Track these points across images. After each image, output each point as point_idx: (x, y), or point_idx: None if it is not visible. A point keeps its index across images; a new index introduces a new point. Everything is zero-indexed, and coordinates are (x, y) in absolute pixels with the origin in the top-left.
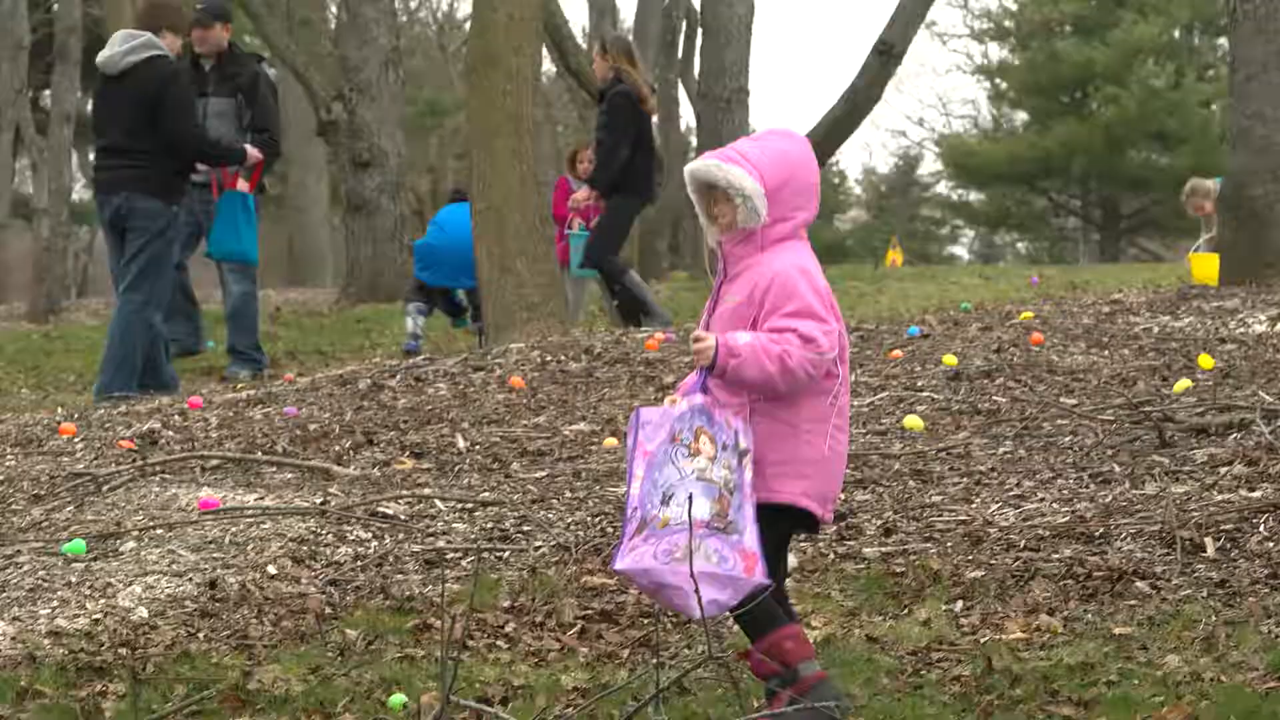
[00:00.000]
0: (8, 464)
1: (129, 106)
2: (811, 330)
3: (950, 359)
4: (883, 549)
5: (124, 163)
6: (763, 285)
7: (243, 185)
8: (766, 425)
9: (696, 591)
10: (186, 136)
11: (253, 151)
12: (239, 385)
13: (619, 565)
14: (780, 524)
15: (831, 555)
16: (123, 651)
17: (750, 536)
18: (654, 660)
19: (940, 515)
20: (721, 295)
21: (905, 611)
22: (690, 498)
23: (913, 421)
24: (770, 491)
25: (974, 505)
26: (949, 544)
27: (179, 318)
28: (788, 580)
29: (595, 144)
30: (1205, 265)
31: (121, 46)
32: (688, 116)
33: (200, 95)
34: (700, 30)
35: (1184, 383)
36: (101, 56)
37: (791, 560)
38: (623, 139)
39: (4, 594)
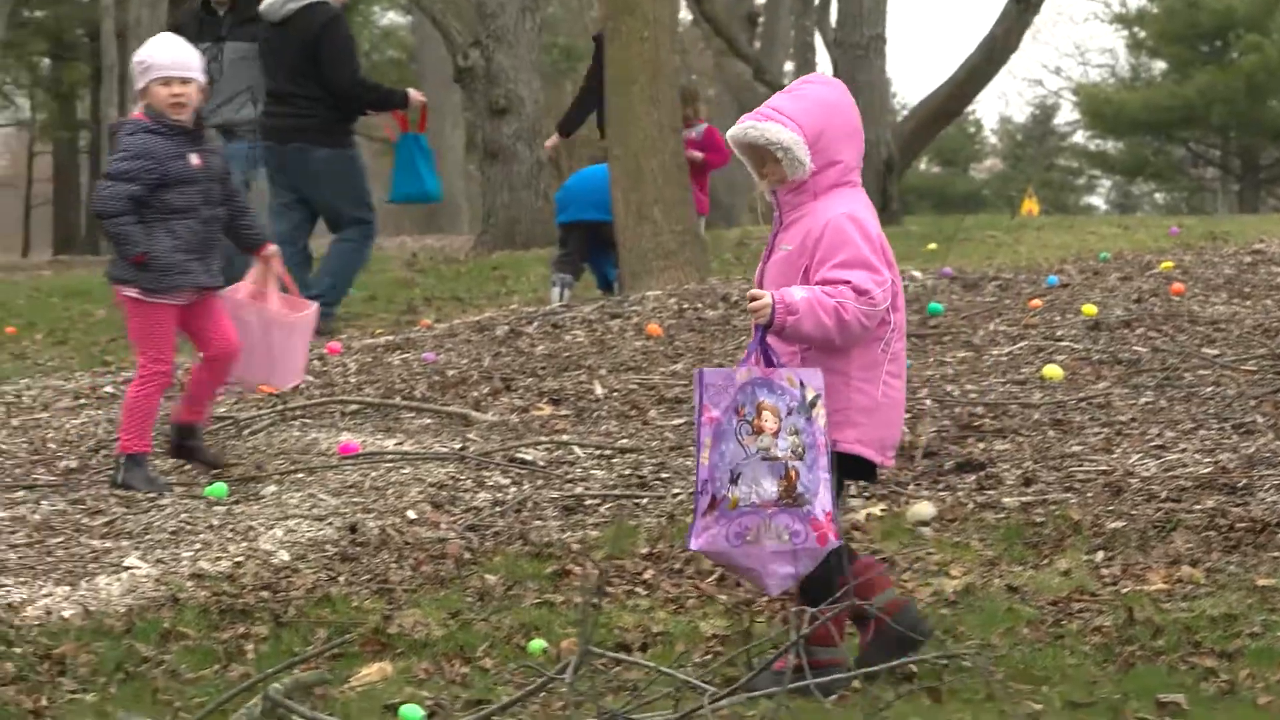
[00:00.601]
0: None
1: (291, 53)
2: (864, 282)
3: (1090, 308)
4: (1022, 499)
5: (290, 110)
6: (815, 234)
7: (414, 127)
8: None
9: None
10: (345, 81)
11: (415, 94)
12: None
13: (694, 545)
14: (837, 471)
15: (971, 504)
16: (264, 594)
17: (821, 501)
18: (793, 608)
19: (1080, 465)
20: (776, 244)
21: (1045, 561)
22: (754, 481)
23: (1052, 371)
24: None
25: (1115, 455)
26: (1089, 494)
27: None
28: (926, 529)
29: None
30: None
31: None
32: (824, 64)
33: (216, 40)
34: None
35: None
36: (265, 4)
37: (930, 509)
38: (589, 86)
39: (147, 536)
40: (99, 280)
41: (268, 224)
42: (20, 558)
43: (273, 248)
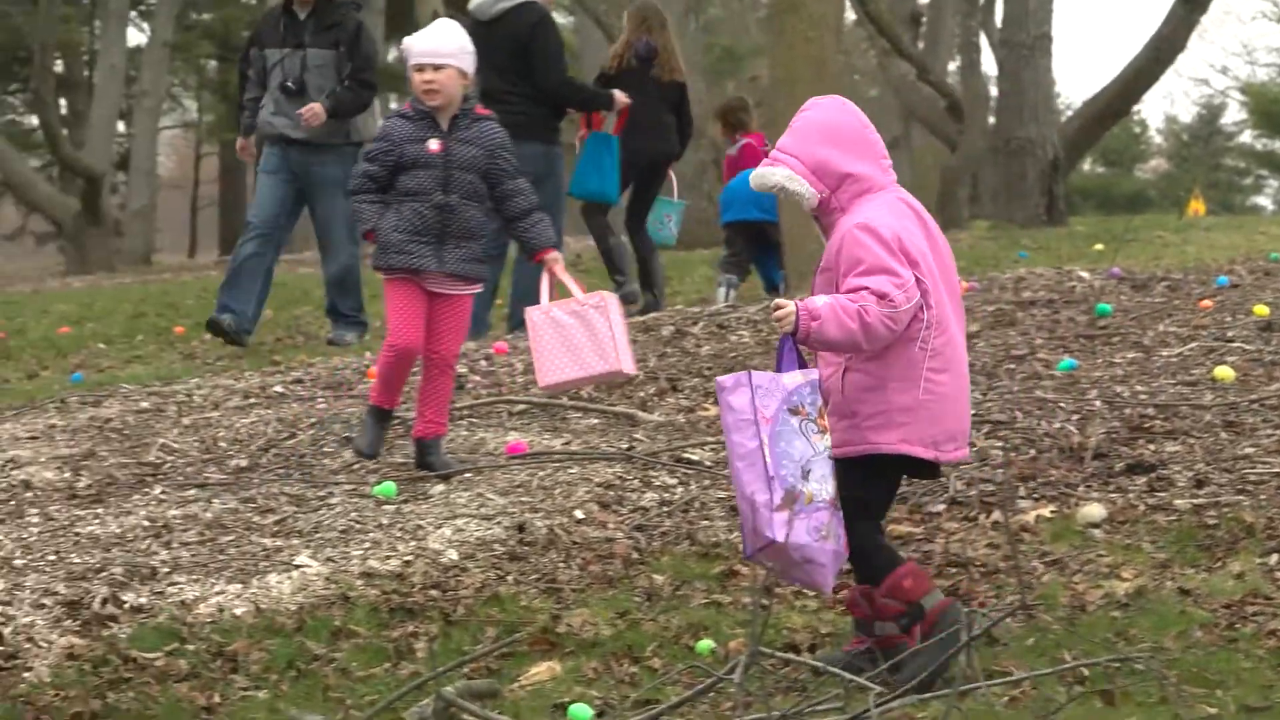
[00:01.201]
0: (319, 407)
1: (500, 51)
2: (883, 286)
3: (1261, 309)
4: (1194, 501)
5: (499, 107)
6: (835, 247)
7: (608, 127)
8: (860, 379)
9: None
10: (555, 80)
11: (620, 97)
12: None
13: (780, 536)
14: (887, 472)
15: (1142, 506)
16: (434, 593)
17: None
18: (964, 609)
19: (1253, 467)
20: (824, 260)
21: (1218, 564)
22: (824, 477)
23: (1223, 372)
24: (870, 444)
25: None
26: (1263, 496)
27: (246, 293)
28: (1096, 531)
29: None
30: None
31: None
32: (989, 64)
33: (297, 46)
34: None
35: None
36: (474, 3)
37: (1101, 511)
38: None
39: (317, 535)
40: None
41: None
42: (193, 556)
43: (553, 254)
